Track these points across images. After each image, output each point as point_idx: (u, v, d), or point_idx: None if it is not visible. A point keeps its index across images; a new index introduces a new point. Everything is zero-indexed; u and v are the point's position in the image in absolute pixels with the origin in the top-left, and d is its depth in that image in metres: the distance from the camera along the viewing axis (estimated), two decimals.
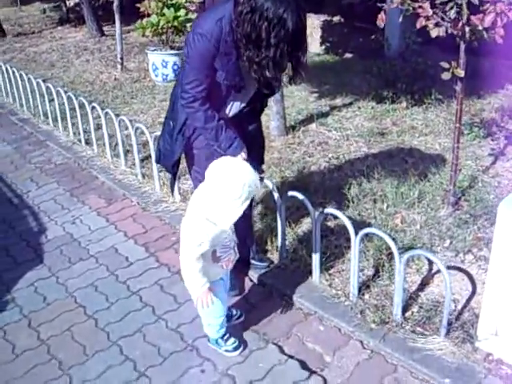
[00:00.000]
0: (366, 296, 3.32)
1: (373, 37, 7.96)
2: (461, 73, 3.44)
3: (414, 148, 5.13)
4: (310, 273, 3.51)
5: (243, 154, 3.01)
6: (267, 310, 3.38)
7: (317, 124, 5.78)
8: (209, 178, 2.64)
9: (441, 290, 3.28)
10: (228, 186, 2.55)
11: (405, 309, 3.14)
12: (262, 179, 2.92)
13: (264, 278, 3.61)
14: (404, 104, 6.00)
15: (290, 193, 3.51)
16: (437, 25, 3.29)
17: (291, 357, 3.03)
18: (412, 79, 6.00)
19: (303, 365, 2.99)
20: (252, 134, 3.32)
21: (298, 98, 6.28)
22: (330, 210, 3.36)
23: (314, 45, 8.70)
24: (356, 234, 3.13)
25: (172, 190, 3.91)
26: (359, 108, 6.18)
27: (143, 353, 3.14)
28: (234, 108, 3.14)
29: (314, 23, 8.70)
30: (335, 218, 3.82)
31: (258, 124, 3.44)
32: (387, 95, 6.14)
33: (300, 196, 3.46)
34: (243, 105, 3.16)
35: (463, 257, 3.55)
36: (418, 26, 3.32)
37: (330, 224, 3.99)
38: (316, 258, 3.45)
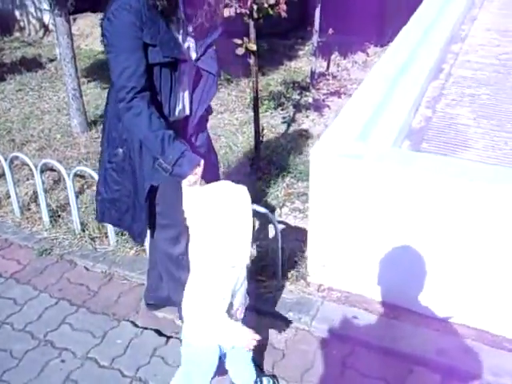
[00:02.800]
0: None
1: None
2: (253, 47, 3.83)
3: (214, 125, 5.48)
4: (145, 251, 3.66)
5: (198, 170, 2.48)
6: (109, 292, 3.49)
7: None
8: (204, 213, 2.14)
9: (268, 242, 3.66)
10: (238, 216, 2.10)
11: None
12: None
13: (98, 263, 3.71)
14: None
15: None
16: (226, 6, 3.62)
17: (146, 328, 3.21)
18: None
19: (159, 333, 3.18)
20: (202, 148, 2.76)
21: (91, 95, 6.32)
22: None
23: (97, 43, 8.68)
24: None
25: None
26: None
27: None
28: (178, 105, 2.61)
29: (94, 21, 8.69)
30: None
31: (207, 136, 2.87)
32: None
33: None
34: (188, 102, 2.65)
35: (280, 211, 3.98)
36: None
37: None
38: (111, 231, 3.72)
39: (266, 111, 5.53)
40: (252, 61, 4.07)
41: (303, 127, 5.21)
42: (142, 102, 2.41)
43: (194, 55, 2.57)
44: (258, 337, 2.30)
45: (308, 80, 6.11)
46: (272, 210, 3.98)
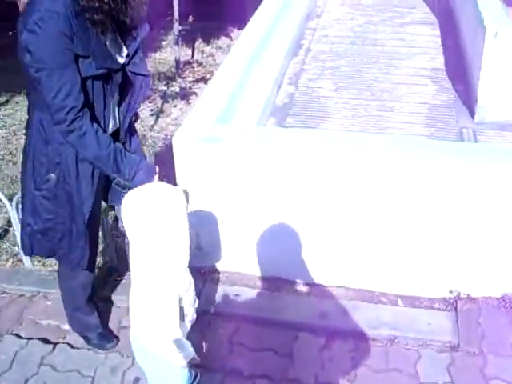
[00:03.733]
0: None
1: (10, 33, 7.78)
2: None
3: None
4: (21, 261, 3.57)
5: (156, 178, 2.43)
6: None
7: None
8: (137, 218, 1.97)
9: None
10: (173, 218, 1.96)
11: None
12: None
13: None
14: None
15: None
16: None
17: (30, 338, 3.11)
18: None
19: (45, 340, 3.09)
20: (137, 153, 2.59)
21: None
22: None
23: None
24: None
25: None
26: (17, 103, 6.15)
27: None
28: (111, 118, 2.40)
29: None
30: None
31: (137, 136, 2.72)
32: None
33: None
34: (117, 113, 2.44)
35: None
36: None
37: None
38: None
39: None
40: None
41: (172, 117, 5.21)
42: (83, 120, 2.20)
43: (121, 60, 2.32)
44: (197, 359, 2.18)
45: (174, 70, 6.10)
46: None
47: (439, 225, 2.99)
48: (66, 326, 3.14)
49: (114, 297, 3.28)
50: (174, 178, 3.12)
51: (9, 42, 7.84)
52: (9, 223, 3.85)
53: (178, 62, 6.05)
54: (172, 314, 2.04)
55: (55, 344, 3.07)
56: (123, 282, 3.36)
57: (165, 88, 5.78)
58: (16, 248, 3.63)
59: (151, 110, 5.36)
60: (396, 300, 3.16)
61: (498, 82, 4.34)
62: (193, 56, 6.49)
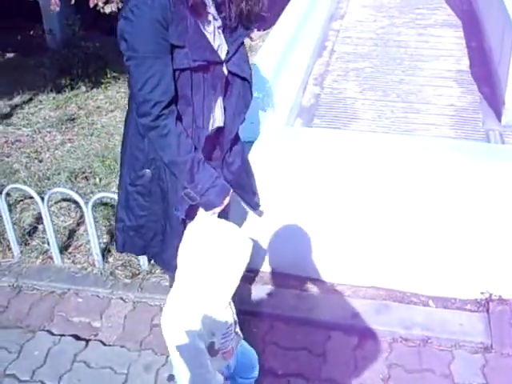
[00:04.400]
0: (111, 260, 3.55)
1: (32, 32, 7.91)
2: None
3: (105, 124, 5.40)
4: (51, 258, 3.60)
5: (226, 200, 2.24)
6: (20, 304, 3.38)
7: (3, 126, 5.68)
8: (190, 249, 1.96)
9: None
10: (232, 264, 1.91)
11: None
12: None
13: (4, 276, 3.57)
14: (84, 88, 6.21)
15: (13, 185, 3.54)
16: (107, 2, 3.58)
17: (62, 335, 3.14)
18: (85, 64, 6.23)
19: (77, 337, 3.12)
20: (235, 164, 2.41)
21: None
22: (57, 189, 3.50)
23: None
24: (86, 204, 3.33)
25: None
26: (41, 101, 6.19)
27: None
28: (213, 116, 2.24)
29: None
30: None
31: (242, 148, 2.48)
32: (65, 83, 6.27)
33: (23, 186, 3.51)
34: (221, 112, 2.27)
35: None
36: (91, 4, 3.57)
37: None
38: (53, 242, 3.55)
39: None
40: None
41: None
42: (169, 119, 2.06)
43: (223, 56, 2.18)
44: None
45: None
46: None
47: (470, 226, 2.99)
48: (98, 323, 3.17)
49: (146, 295, 3.30)
50: None
51: (32, 42, 7.97)
52: (37, 220, 3.88)
53: None
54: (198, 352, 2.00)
55: (87, 341, 3.10)
56: (152, 280, 3.37)
57: None
58: (46, 245, 3.65)
59: None
60: (427, 301, 3.17)
61: None
62: None
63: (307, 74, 4.67)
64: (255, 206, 2.51)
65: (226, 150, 2.34)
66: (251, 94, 2.30)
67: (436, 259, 3.09)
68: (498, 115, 4.55)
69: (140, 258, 3.39)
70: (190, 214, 2.25)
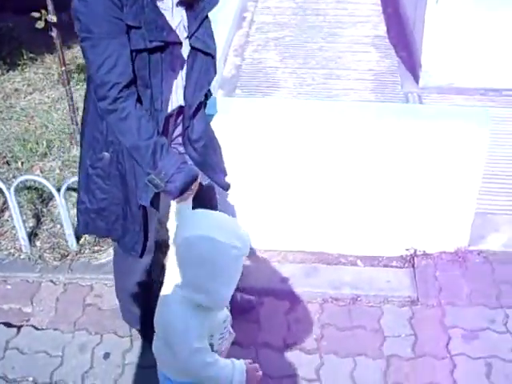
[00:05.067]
0: (38, 243, 3.47)
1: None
2: (54, 19, 3.68)
3: (25, 107, 5.24)
4: None
5: (194, 185, 2.16)
6: None
7: None
8: (182, 248, 1.77)
9: None
10: (231, 261, 1.76)
11: (78, 237, 3.41)
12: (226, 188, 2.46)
13: None
14: None
15: None
16: None
17: None
18: None
19: (8, 325, 3.05)
20: (201, 141, 2.34)
21: None
22: None
23: None
24: (9, 189, 3.24)
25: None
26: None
27: None
28: (172, 96, 2.15)
29: None
30: None
31: (207, 124, 2.41)
32: None
33: None
34: (181, 91, 2.19)
35: None
36: None
37: None
38: None
39: (78, 84, 5.35)
40: (54, 34, 3.92)
41: None
42: (128, 101, 2.00)
43: (184, 33, 2.11)
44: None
45: None
46: None
47: (392, 184, 3.07)
48: (29, 309, 3.11)
49: (76, 276, 3.25)
50: None
51: None
52: None
53: None
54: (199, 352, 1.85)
55: (19, 327, 3.03)
56: (82, 260, 3.33)
57: None
58: None
59: None
60: (355, 261, 3.25)
61: (440, 48, 4.47)
62: None
63: (227, 45, 4.67)
64: (226, 187, 2.43)
65: (187, 126, 2.28)
66: (215, 70, 2.25)
67: (361, 219, 3.17)
68: (416, 78, 4.70)
69: (68, 238, 3.34)
70: (154, 202, 2.23)
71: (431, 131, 2.95)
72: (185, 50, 2.13)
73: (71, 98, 4.19)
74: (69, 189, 3.59)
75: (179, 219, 2.03)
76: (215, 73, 2.27)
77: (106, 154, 2.20)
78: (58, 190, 3.23)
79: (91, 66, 1.98)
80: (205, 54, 2.18)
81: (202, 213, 1.92)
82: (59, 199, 3.21)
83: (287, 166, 3.05)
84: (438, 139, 2.95)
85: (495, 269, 3.20)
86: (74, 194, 3.79)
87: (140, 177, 2.19)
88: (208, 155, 2.37)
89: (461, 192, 3.09)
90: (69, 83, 4.17)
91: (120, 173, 2.23)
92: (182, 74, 2.16)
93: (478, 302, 3.03)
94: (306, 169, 3.05)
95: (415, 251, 3.24)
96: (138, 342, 2.88)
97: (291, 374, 2.71)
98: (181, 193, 2.09)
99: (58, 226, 3.50)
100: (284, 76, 4.47)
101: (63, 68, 4.08)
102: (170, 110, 2.18)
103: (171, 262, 1.86)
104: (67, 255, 3.35)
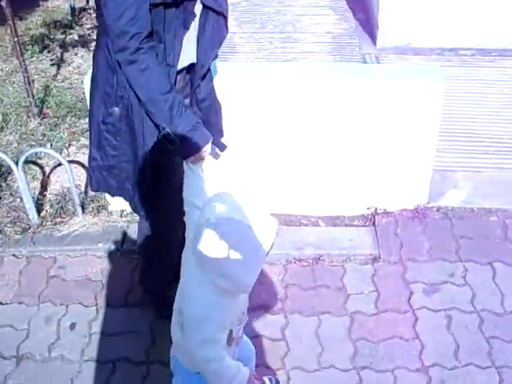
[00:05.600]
0: None
1: None
2: None
3: None
4: None
5: (207, 147, 2.16)
6: None
7: None
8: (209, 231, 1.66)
9: (62, 182, 3.59)
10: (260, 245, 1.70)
11: (39, 210, 3.38)
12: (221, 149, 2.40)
13: None
14: None
15: None
16: None
17: None
18: None
19: None
20: (206, 101, 2.37)
21: None
22: None
23: None
24: None
25: None
26: None
27: None
28: (184, 52, 2.14)
29: None
30: None
31: (212, 85, 2.40)
32: None
33: None
34: (194, 48, 2.19)
35: (67, 151, 3.89)
36: None
37: None
38: None
39: (32, 56, 5.24)
40: (4, 4, 3.83)
41: (74, 65, 5.05)
42: (148, 54, 1.99)
43: None
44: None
45: (69, 17, 5.87)
46: (60, 151, 3.86)
47: (351, 144, 3.10)
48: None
49: (39, 248, 3.23)
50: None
51: None
52: None
53: (73, 9, 5.83)
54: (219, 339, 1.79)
55: None
56: (44, 232, 3.30)
57: (62, 37, 5.56)
58: None
59: (51, 60, 5.16)
60: (317, 221, 3.29)
61: (397, 8, 4.48)
62: (88, 2, 6.24)
63: None
64: (222, 147, 2.40)
65: (196, 85, 2.28)
66: (226, 29, 2.25)
67: (322, 180, 3.20)
68: (374, 39, 4.71)
69: (28, 212, 3.30)
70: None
71: (388, 90, 2.98)
72: (197, 8, 2.13)
73: (26, 70, 4.11)
74: (27, 161, 3.56)
75: (191, 184, 1.99)
76: (227, 31, 2.27)
77: (116, 109, 2.18)
78: (17, 163, 3.17)
79: (111, 16, 1.96)
80: (216, 13, 2.17)
81: (227, 194, 1.82)
82: (18, 173, 3.16)
83: (246, 128, 3.04)
84: (395, 98, 2.98)
85: (454, 224, 3.27)
86: (34, 167, 3.77)
87: (149, 134, 2.18)
88: (210, 116, 2.38)
89: (419, 149, 3.13)
90: (22, 55, 4.09)
91: (130, 129, 2.21)
92: (195, 31, 2.16)
93: (438, 257, 3.09)
94: (266, 130, 3.05)
95: (376, 210, 3.29)
96: (103, 311, 2.89)
97: (257, 335, 2.74)
98: (195, 151, 2.09)
99: (18, 199, 3.46)
100: (241, 41, 4.44)
101: (15, 39, 3.99)
102: (181, 66, 2.18)
103: (194, 243, 1.73)
104: (28, 228, 3.31)
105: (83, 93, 3.88)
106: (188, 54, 2.19)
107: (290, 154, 3.11)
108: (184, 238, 1.93)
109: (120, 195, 2.45)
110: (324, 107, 3.00)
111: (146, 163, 2.24)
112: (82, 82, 4.53)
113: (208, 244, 1.67)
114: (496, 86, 4.32)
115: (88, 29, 5.62)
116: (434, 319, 2.83)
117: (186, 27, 2.11)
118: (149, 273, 2.77)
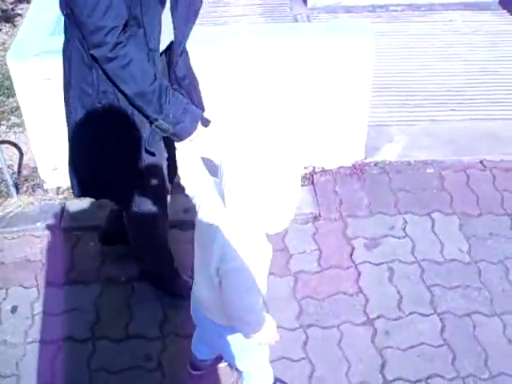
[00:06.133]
0: None
1: None
2: None
3: None
4: None
5: (199, 126, 2.06)
6: None
7: None
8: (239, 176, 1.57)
9: None
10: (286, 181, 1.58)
11: None
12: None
13: None
14: None
15: None
16: None
17: None
18: None
19: None
20: (186, 79, 2.25)
21: None
22: None
23: None
24: None
25: None
26: None
27: None
28: (163, 30, 1.98)
29: None
30: None
31: (189, 63, 2.30)
32: None
33: None
34: (171, 25, 2.03)
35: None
36: None
37: None
38: None
39: None
40: None
41: None
42: (129, 46, 1.82)
43: None
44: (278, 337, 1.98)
45: None
46: None
47: (286, 103, 3.09)
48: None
49: None
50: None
51: None
52: None
53: None
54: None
55: None
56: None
57: None
58: None
59: None
60: None
61: None
62: None
63: None
64: (205, 122, 2.24)
65: (175, 63, 2.16)
66: (201, 0, 2.13)
67: None
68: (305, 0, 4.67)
69: None
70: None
71: (318, 47, 2.97)
72: None
73: None
74: None
75: (191, 167, 1.90)
76: (201, 3, 2.14)
77: (99, 105, 2.03)
78: None
79: (82, 11, 1.78)
80: None
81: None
82: None
83: None
84: (326, 55, 2.98)
85: (392, 178, 3.32)
86: None
87: (146, 123, 2.07)
88: (191, 92, 2.27)
89: (353, 105, 3.14)
90: None
91: (120, 123, 2.08)
92: (169, 7, 2.01)
93: (378, 211, 3.14)
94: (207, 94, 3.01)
95: (314, 168, 3.30)
96: (44, 291, 2.84)
97: None
98: (190, 133, 2.02)
99: None
100: None
101: None
102: (162, 48, 2.05)
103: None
104: None
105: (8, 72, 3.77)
106: (167, 34, 2.05)
107: (223, 117, 3.07)
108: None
109: (107, 196, 2.41)
110: (257, 68, 2.97)
111: (141, 156, 2.16)
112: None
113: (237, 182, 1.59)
114: (428, 40, 4.35)
115: (11, 3, 5.41)
116: (376, 272, 2.88)
117: (162, 4, 1.96)
118: (147, 270, 2.80)
